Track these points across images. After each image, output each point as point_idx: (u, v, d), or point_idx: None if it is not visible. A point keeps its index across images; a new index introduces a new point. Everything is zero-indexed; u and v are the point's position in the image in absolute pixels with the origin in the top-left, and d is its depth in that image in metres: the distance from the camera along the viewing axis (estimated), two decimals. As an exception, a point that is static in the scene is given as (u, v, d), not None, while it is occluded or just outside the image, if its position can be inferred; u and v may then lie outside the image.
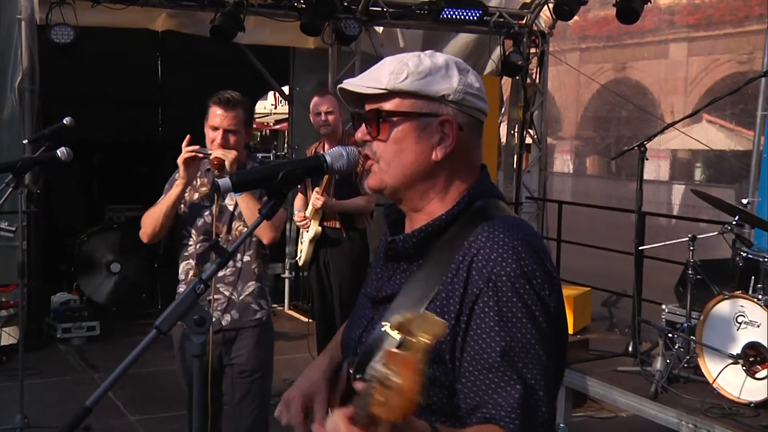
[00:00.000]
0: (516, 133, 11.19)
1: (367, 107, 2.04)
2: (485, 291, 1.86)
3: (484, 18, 9.92)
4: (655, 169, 16.93)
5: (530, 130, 11.09)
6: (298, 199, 7.00)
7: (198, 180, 4.43)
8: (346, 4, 9.31)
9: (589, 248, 9.65)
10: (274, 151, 13.41)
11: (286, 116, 12.49)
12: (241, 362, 4.46)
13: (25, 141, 7.43)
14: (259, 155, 10.62)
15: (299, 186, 6.78)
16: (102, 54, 10.43)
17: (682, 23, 17.88)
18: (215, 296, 4.38)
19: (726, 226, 5.77)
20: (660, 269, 7.75)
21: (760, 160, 8.63)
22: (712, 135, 15.74)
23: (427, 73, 1.98)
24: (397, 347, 1.48)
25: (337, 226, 6.79)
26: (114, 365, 2.07)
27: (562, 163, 19.62)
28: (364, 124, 2.05)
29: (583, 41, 18.26)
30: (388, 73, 1.99)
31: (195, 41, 9.67)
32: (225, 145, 4.28)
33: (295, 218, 6.95)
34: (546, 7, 10.32)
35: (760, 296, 5.33)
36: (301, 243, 6.97)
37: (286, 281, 10.72)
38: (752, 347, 5.24)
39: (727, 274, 6.01)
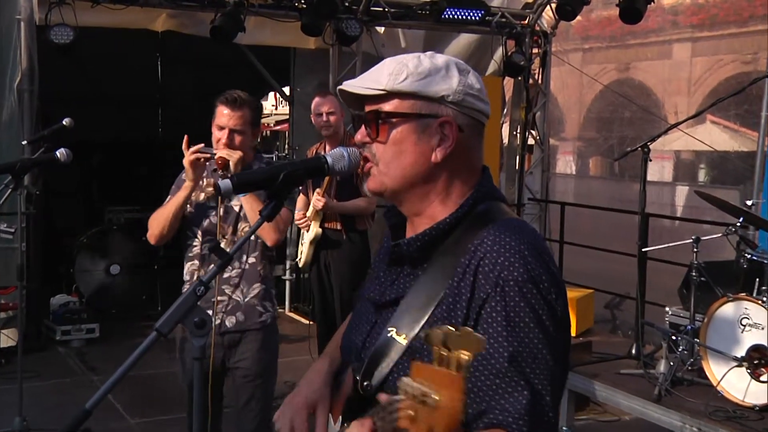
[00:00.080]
0: (518, 134, 11.16)
1: (367, 108, 2.03)
2: (492, 296, 1.85)
3: (486, 18, 9.89)
4: (659, 170, 16.94)
5: (532, 131, 11.06)
6: (300, 200, 6.97)
7: (204, 180, 4.41)
8: (347, 4, 9.28)
9: (591, 250, 9.65)
10: (276, 152, 13.38)
11: (287, 117, 12.46)
12: (245, 366, 4.44)
13: (24, 142, 7.43)
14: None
15: (300, 187, 6.75)
16: (102, 54, 10.41)
17: (685, 23, 17.89)
18: (220, 298, 4.36)
19: (730, 227, 5.74)
20: (663, 271, 7.73)
21: (764, 161, 8.61)
22: (716, 136, 15.74)
23: (427, 74, 1.97)
24: (437, 363, 1.43)
25: (338, 227, 6.78)
26: (114, 368, 2.07)
27: (565, 164, 19.64)
28: (363, 126, 2.04)
29: (586, 41, 18.28)
30: (387, 74, 1.98)
31: (195, 42, 9.64)
32: (230, 145, 4.26)
33: (295, 217, 6.94)
34: (548, 7, 10.28)
35: (764, 298, 5.29)
36: (302, 244, 6.96)
37: (287, 283, 10.68)
38: (757, 350, 5.20)
39: (731, 276, 5.96)
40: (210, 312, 4.27)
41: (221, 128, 4.28)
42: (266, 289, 4.46)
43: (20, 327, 6.53)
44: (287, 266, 10.58)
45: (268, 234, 4.27)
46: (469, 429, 1.82)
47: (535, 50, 10.75)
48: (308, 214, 6.70)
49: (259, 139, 4.82)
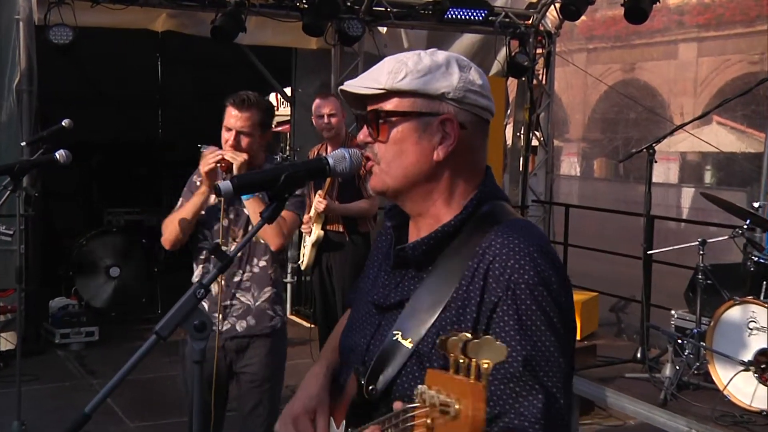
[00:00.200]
0: (522, 135, 11.16)
1: (368, 108, 2.02)
2: (504, 299, 1.85)
3: (490, 18, 9.86)
4: (665, 171, 16.91)
5: (536, 132, 11.04)
6: (301, 201, 6.95)
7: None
8: (349, 4, 9.26)
9: (596, 252, 9.65)
10: (281, 154, 13.38)
11: (288, 118, 12.44)
12: (252, 371, 4.42)
13: (23, 143, 7.43)
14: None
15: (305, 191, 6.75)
16: (101, 55, 10.43)
17: (691, 23, 17.85)
18: (231, 302, 4.35)
19: (737, 230, 5.73)
20: (669, 274, 7.70)
21: (772, 162, 8.57)
22: (723, 137, 15.70)
23: (427, 71, 1.96)
24: (453, 370, 1.39)
25: (340, 229, 6.77)
26: (113, 371, 2.06)
27: (569, 165, 19.63)
28: (365, 126, 2.03)
29: (591, 41, 18.26)
30: (386, 73, 1.97)
31: (195, 42, 9.64)
32: (236, 147, 4.24)
33: (299, 221, 6.92)
34: (553, 6, 10.26)
35: (772, 302, 5.26)
36: (304, 247, 6.95)
37: (288, 286, 10.63)
38: (764, 354, 5.16)
39: (737, 279, 5.94)
40: (219, 315, 4.30)
41: (229, 129, 4.26)
42: (277, 293, 4.46)
43: (19, 330, 6.51)
44: (288, 269, 10.52)
45: (271, 238, 4.25)
46: None
47: (539, 50, 10.72)
48: (310, 216, 6.66)
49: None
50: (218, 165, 4.23)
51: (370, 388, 1.94)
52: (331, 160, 2.16)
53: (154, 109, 13.18)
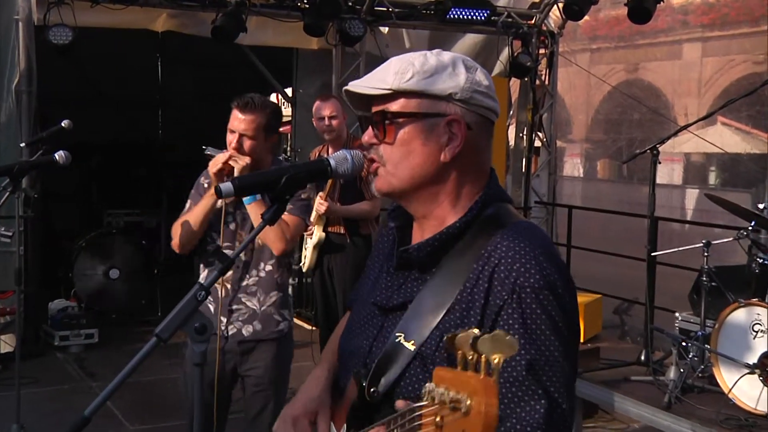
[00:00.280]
0: (525, 136, 11.17)
1: (373, 109, 2.02)
2: (509, 302, 1.85)
3: (492, 18, 9.86)
4: (669, 172, 16.86)
5: (539, 133, 11.02)
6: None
7: None
8: (350, 4, 9.25)
9: (599, 254, 9.63)
10: (284, 155, 13.37)
11: (289, 119, 12.43)
12: (257, 374, 4.39)
13: (23, 144, 7.45)
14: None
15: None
16: (101, 55, 10.45)
17: (696, 23, 17.81)
18: (237, 306, 4.31)
19: (741, 231, 5.68)
20: (673, 276, 7.67)
21: (776, 163, 8.55)
22: (727, 138, 15.66)
23: (433, 71, 1.96)
24: (461, 367, 1.36)
25: (342, 231, 6.77)
26: (113, 374, 2.05)
27: (572, 166, 19.62)
28: (370, 127, 2.02)
29: (594, 42, 18.23)
30: (393, 73, 1.96)
31: (196, 42, 9.65)
32: (239, 149, 4.20)
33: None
34: (555, 6, 10.25)
35: (777, 304, 5.23)
36: (305, 249, 6.95)
37: (289, 288, 10.61)
38: (769, 357, 5.14)
39: (742, 281, 5.91)
40: (225, 319, 4.27)
41: (232, 132, 4.23)
42: (283, 297, 4.44)
43: (18, 332, 6.52)
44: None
45: (273, 242, 4.22)
46: None
47: (541, 51, 10.72)
48: (311, 218, 6.64)
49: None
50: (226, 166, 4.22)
51: (372, 390, 1.93)
52: (332, 162, 2.15)
53: (154, 109, 13.20)
